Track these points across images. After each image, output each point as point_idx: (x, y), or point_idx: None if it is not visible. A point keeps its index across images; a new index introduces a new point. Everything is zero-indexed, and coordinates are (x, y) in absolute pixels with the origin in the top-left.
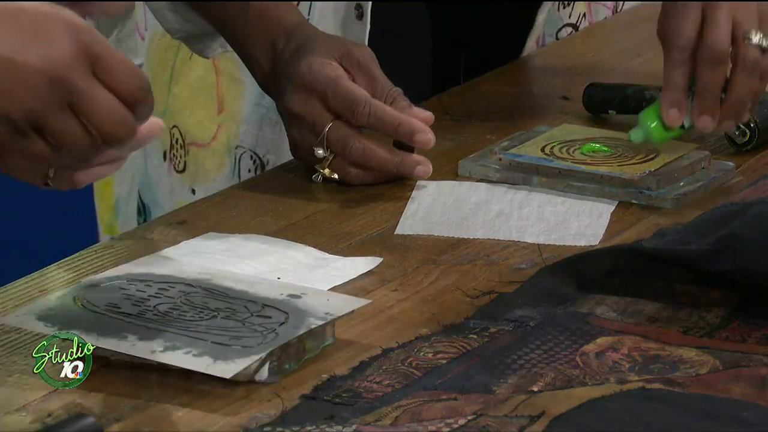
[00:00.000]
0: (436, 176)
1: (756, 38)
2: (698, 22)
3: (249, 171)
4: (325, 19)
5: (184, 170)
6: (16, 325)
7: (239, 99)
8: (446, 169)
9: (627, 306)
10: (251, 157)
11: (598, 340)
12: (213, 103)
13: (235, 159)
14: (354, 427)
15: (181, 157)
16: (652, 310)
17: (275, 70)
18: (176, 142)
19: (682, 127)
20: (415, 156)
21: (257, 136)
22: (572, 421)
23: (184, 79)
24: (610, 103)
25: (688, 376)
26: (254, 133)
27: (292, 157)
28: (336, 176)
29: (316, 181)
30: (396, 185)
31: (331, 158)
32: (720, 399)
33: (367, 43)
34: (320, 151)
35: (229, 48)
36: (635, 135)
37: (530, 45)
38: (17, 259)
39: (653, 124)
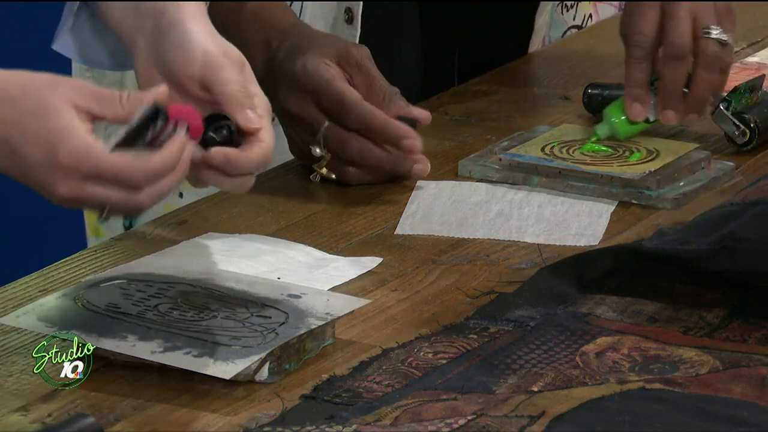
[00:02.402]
0: (436, 176)
1: (715, 33)
2: (657, 19)
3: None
4: (314, 23)
5: None
6: (16, 325)
7: None
8: (446, 169)
9: (627, 306)
10: None
11: (598, 340)
12: None
13: None
14: (354, 427)
15: None
16: (652, 310)
17: (271, 69)
18: None
19: (647, 120)
20: (414, 155)
21: None
22: (572, 421)
23: None
24: (610, 103)
25: (688, 376)
26: None
27: (291, 157)
28: (334, 176)
29: (314, 180)
30: (396, 185)
31: (328, 158)
32: (720, 399)
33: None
34: (317, 151)
35: None
36: (601, 130)
37: (534, 48)
38: (17, 259)
39: (618, 120)
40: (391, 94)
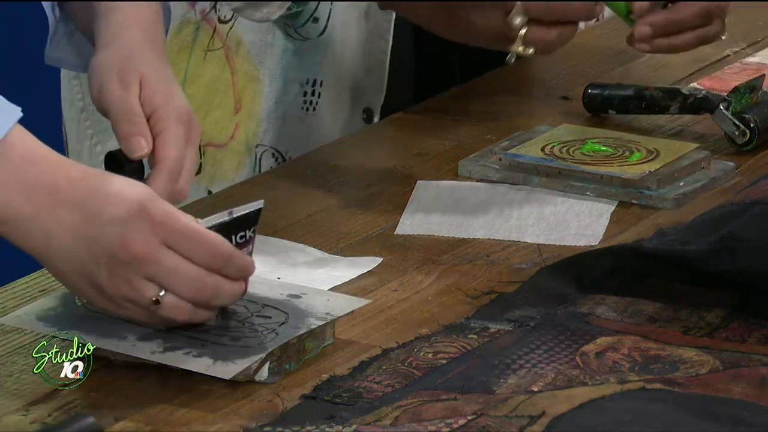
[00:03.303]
0: (436, 176)
1: None
2: None
3: (270, 168)
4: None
5: (199, 172)
6: (16, 325)
7: (258, 97)
8: (446, 169)
9: (627, 306)
10: (273, 154)
11: (598, 340)
12: (230, 102)
13: (256, 157)
14: (354, 427)
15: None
16: (652, 310)
17: None
18: None
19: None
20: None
21: (279, 133)
22: (572, 421)
23: (198, 80)
24: (610, 103)
25: (688, 376)
26: (275, 130)
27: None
28: (531, 50)
29: (510, 63)
30: (396, 185)
31: (524, 31)
32: (720, 399)
33: (391, 34)
34: (518, 20)
35: (292, 5)
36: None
37: None
38: (17, 259)
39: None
40: None
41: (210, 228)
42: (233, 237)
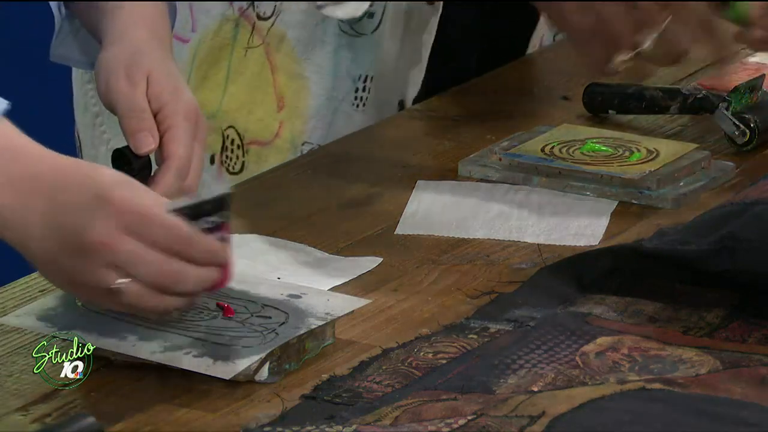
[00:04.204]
0: (436, 176)
1: None
2: None
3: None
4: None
5: (241, 170)
6: (16, 325)
7: (304, 95)
8: (446, 169)
9: (627, 306)
10: None
11: (598, 340)
12: (272, 100)
13: (301, 154)
14: (354, 427)
15: (238, 157)
16: (652, 310)
17: None
18: (232, 142)
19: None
20: None
21: (327, 131)
22: (572, 421)
23: (240, 78)
24: (610, 103)
25: (688, 376)
26: (324, 127)
27: (291, 156)
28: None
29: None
30: (396, 185)
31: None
32: (720, 399)
33: (435, 28)
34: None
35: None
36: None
37: (534, 48)
38: (17, 259)
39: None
40: None
41: (174, 211)
42: (198, 221)
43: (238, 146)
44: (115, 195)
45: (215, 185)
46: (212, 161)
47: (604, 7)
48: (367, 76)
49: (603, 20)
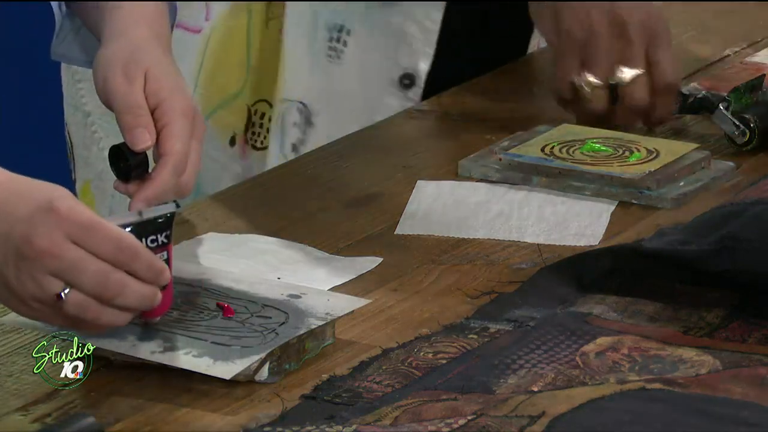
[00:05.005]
0: (436, 176)
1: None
2: None
3: (294, 124)
4: None
5: (266, 146)
6: (16, 325)
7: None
8: (446, 169)
9: (627, 306)
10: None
11: (598, 340)
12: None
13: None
14: (354, 427)
15: (268, 131)
16: (652, 310)
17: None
18: (262, 116)
19: None
20: None
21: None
22: (572, 421)
23: (263, 52)
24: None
25: (688, 376)
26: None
27: (289, 158)
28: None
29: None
30: (396, 185)
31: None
32: (720, 399)
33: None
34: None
35: None
36: None
37: (534, 48)
38: None
39: None
40: None
41: (119, 227)
42: (143, 240)
43: (269, 119)
44: (61, 205)
45: (232, 165)
46: (232, 143)
47: (599, 25)
48: (343, 27)
49: (593, 33)
